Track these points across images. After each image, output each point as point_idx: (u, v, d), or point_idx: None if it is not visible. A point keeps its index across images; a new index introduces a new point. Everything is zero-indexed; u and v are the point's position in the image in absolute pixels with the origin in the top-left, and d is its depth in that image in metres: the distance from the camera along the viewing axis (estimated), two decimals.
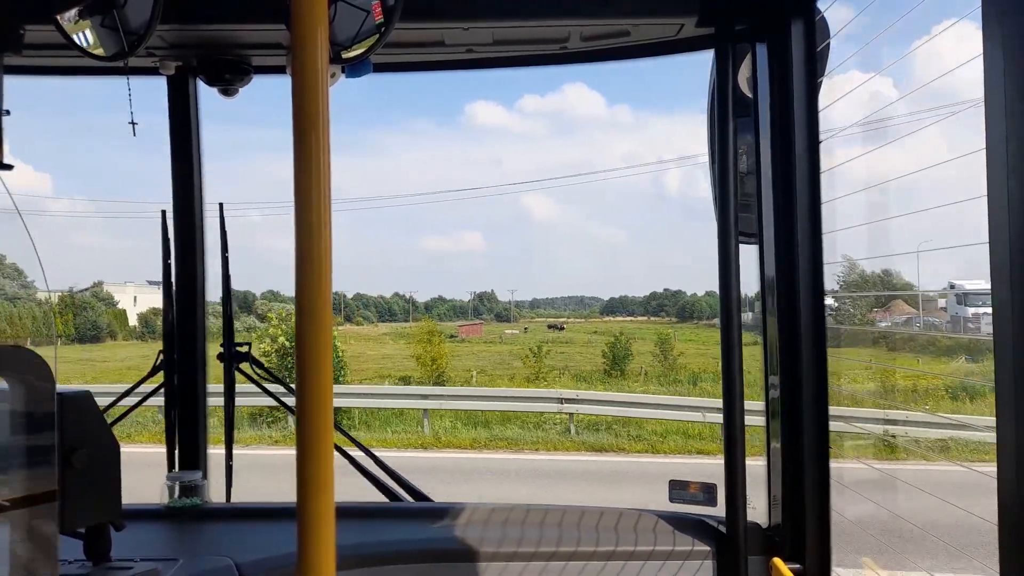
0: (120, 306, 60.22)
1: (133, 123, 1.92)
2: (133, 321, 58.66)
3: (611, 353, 26.18)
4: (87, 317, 54.87)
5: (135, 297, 62.95)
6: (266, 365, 2.21)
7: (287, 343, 16.05)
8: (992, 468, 1.02)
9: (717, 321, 1.66)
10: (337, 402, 12.79)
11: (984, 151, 1.01)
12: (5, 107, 1.62)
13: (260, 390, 2.27)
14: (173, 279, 2.18)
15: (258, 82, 2.02)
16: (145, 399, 2.21)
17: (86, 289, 60.27)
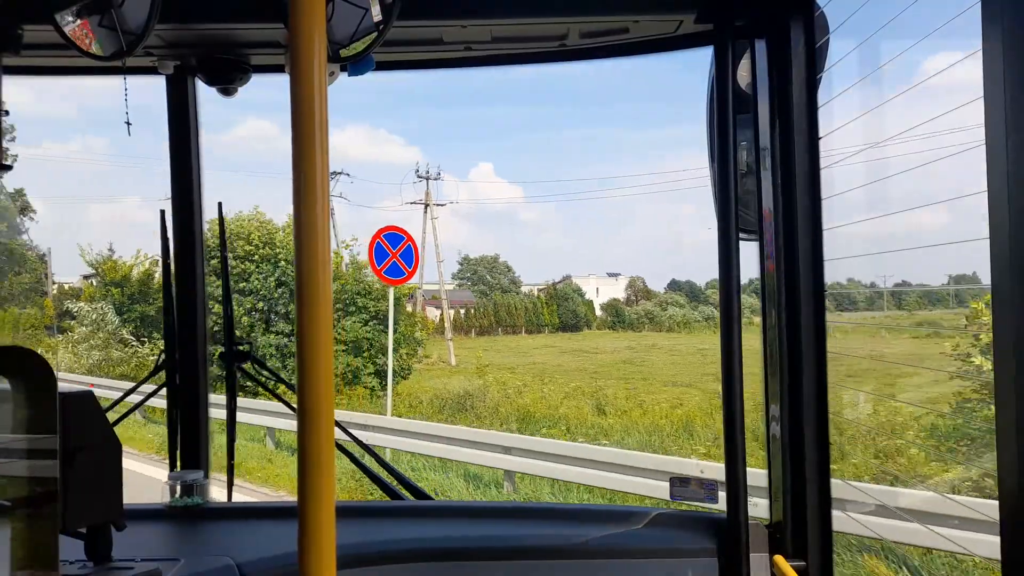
0: (587, 297, 64.03)
1: (128, 123, 1.92)
2: (598, 311, 62.20)
3: None
4: (567, 307, 59.16)
5: (597, 288, 66.71)
6: None
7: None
8: None
9: None
10: None
11: (984, 147, 1.01)
12: (4, 108, 1.62)
13: (263, 389, 2.27)
14: (173, 278, 2.18)
15: (259, 80, 2.02)
16: (147, 399, 2.21)
17: (559, 282, 64.89)
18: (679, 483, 1.94)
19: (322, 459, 0.80)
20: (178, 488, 2.04)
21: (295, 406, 0.82)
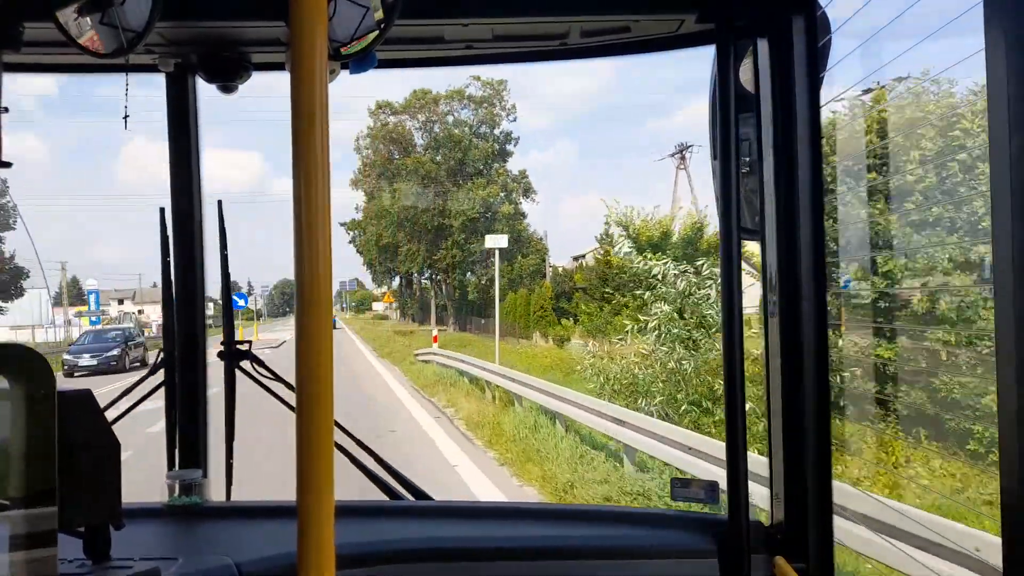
0: None
1: (126, 117, 1.91)
2: None
3: None
4: None
5: None
6: None
7: None
8: None
9: None
10: None
11: (988, 148, 1.01)
12: (4, 104, 1.62)
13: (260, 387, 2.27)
14: (172, 277, 2.18)
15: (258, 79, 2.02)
16: (145, 398, 2.21)
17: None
18: (680, 484, 1.93)
19: (321, 458, 0.79)
20: (176, 487, 2.04)
21: (295, 405, 0.82)
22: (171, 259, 2.17)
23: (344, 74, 1.82)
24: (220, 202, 2.21)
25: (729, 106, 1.68)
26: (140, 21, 1.61)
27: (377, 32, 1.59)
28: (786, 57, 1.64)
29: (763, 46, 1.69)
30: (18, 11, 1.69)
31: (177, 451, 2.19)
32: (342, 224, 56.77)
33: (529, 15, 1.80)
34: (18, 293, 39.00)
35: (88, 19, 1.63)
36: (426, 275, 54.43)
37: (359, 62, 1.70)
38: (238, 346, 2.26)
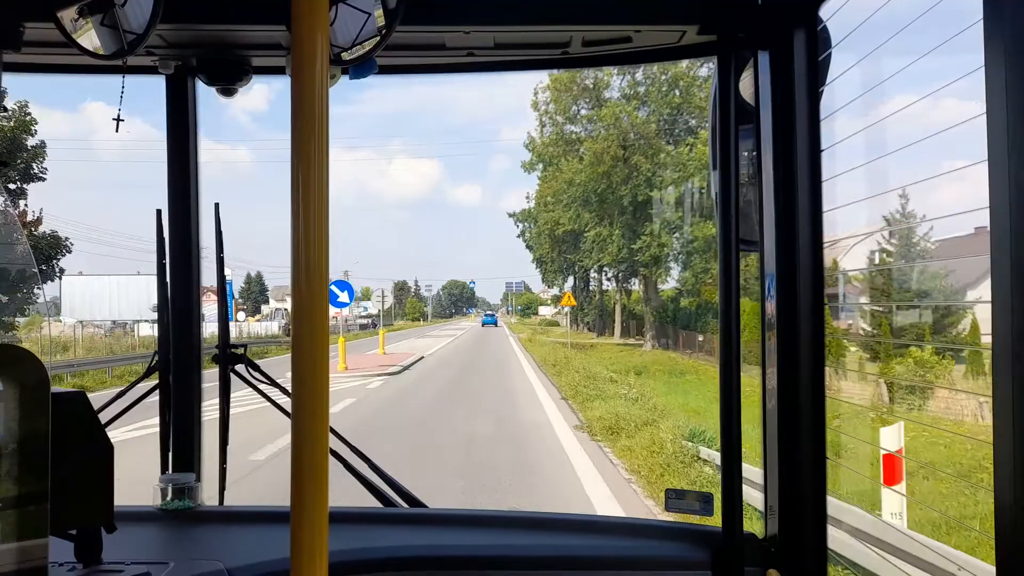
0: None
1: (118, 119, 1.90)
2: None
3: None
4: None
5: None
6: None
7: None
8: None
9: None
10: None
11: (986, 160, 1.01)
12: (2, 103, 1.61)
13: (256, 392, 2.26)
14: (168, 279, 2.17)
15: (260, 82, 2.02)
16: (139, 400, 2.19)
17: None
18: (675, 495, 1.93)
19: (316, 465, 0.79)
20: (170, 491, 2.02)
21: (290, 411, 0.81)
22: (167, 261, 2.17)
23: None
24: (217, 205, 2.21)
25: (729, 117, 1.68)
26: (141, 23, 1.60)
27: (378, 38, 1.59)
28: (787, 70, 1.65)
29: (764, 59, 1.70)
30: (19, 11, 1.69)
31: (171, 455, 2.17)
32: (510, 215, 48.70)
33: (531, 24, 1.81)
34: (51, 273, 26.56)
35: (89, 20, 1.63)
36: (609, 273, 42.49)
37: (360, 67, 1.70)
38: (233, 350, 2.25)
